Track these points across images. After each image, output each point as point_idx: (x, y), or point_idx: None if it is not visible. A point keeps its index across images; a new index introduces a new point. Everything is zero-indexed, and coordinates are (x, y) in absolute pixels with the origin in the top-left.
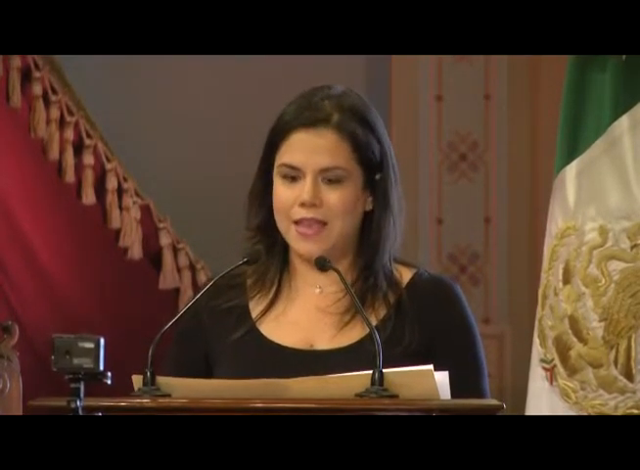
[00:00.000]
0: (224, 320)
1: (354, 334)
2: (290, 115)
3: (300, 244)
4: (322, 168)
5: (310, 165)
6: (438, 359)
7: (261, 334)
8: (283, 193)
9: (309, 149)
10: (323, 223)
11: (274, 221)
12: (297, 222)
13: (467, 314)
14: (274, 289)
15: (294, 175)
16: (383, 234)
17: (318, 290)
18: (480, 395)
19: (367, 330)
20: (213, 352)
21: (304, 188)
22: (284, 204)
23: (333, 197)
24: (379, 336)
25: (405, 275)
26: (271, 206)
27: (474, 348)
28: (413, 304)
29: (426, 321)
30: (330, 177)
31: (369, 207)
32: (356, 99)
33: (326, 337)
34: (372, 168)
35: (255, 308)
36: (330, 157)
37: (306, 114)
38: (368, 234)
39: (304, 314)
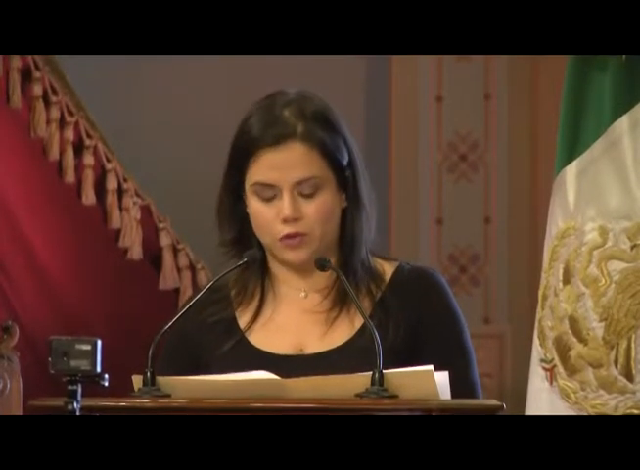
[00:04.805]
0: (212, 334)
1: (343, 334)
2: (255, 131)
3: (287, 254)
4: (297, 182)
5: (285, 181)
6: (425, 349)
7: (251, 344)
8: (263, 211)
9: (281, 165)
10: (305, 234)
11: (248, 234)
12: (281, 238)
13: (450, 302)
14: (258, 297)
15: (269, 192)
16: (357, 229)
17: (303, 293)
18: (469, 384)
19: (355, 329)
20: (204, 366)
21: (283, 204)
22: (265, 221)
23: (311, 208)
24: (364, 333)
25: (387, 269)
26: (243, 219)
27: (460, 335)
28: (397, 298)
29: (410, 313)
30: (306, 189)
31: (344, 204)
32: (316, 101)
33: (315, 338)
34: (342, 168)
35: (242, 318)
36: (302, 169)
37: (271, 130)
38: (344, 231)
39: (291, 318)
